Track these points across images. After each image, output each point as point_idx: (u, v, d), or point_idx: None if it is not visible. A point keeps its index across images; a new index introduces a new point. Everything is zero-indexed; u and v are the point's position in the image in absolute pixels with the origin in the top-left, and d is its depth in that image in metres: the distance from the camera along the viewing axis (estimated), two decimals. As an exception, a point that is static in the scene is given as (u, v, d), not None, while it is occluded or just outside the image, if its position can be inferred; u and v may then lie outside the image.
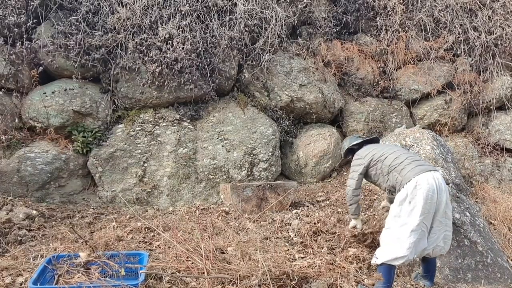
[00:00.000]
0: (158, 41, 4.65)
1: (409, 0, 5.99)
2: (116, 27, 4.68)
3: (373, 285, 3.03)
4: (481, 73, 5.96)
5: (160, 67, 4.58)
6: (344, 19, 5.86)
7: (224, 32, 4.93)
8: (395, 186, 3.11)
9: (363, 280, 3.12)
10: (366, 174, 3.33)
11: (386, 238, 3.04)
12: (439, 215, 3.02)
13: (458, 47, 5.89)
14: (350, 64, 5.71)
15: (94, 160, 4.59)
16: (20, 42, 4.50)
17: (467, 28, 5.90)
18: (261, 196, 4.25)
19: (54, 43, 4.50)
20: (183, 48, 4.61)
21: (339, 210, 4.27)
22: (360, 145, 3.56)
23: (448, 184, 4.04)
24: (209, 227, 3.80)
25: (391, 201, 3.22)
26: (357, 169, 3.33)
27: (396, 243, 2.93)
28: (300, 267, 3.07)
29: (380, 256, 2.98)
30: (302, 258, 3.30)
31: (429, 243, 3.04)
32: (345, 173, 5.31)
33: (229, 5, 5.07)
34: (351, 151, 3.63)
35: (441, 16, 5.90)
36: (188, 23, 4.75)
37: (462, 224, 3.66)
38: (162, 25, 4.73)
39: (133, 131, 4.71)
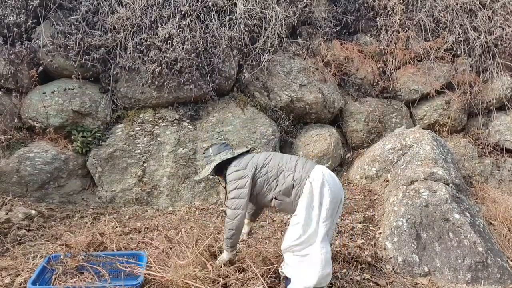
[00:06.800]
0: (158, 41, 4.64)
1: (409, 0, 5.99)
2: (116, 27, 4.67)
3: None
4: (481, 73, 5.96)
5: (160, 67, 4.58)
6: (344, 19, 5.86)
7: (224, 32, 4.93)
8: (290, 186, 2.67)
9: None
10: None
11: (295, 262, 2.60)
12: (337, 217, 2.75)
13: (458, 47, 5.89)
14: (350, 64, 5.70)
15: (94, 160, 4.58)
16: (19, 42, 4.50)
17: (467, 29, 5.89)
18: (260, 196, 4.22)
19: (53, 43, 4.50)
20: (182, 48, 4.60)
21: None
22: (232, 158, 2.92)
23: (448, 184, 4.04)
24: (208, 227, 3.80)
25: (284, 208, 2.76)
26: (242, 183, 2.70)
27: (310, 262, 2.54)
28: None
29: None
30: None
31: None
32: (345, 173, 5.30)
33: (229, 5, 5.07)
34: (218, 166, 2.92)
35: (441, 16, 5.90)
36: (188, 23, 4.75)
37: (462, 225, 3.66)
38: (162, 25, 4.73)
39: (133, 131, 4.70)
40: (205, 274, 2.77)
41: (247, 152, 3.03)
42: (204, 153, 3.08)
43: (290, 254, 2.64)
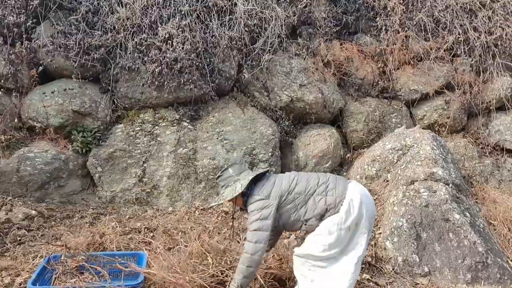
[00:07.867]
0: (158, 41, 4.64)
1: (409, 0, 5.99)
2: (116, 27, 4.67)
3: None
4: (481, 73, 5.95)
5: (160, 67, 4.58)
6: (344, 19, 5.85)
7: (224, 32, 4.93)
8: (323, 211, 2.47)
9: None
10: None
11: (304, 269, 2.51)
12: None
13: (458, 47, 5.88)
14: (349, 64, 5.70)
15: (94, 160, 4.58)
16: (19, 42, 4.49)
17: (467, 29, 5.88)
18: (260, 196, 4.21)
19: (53, 43, 4.50)
20: (183, 48, 4.60)
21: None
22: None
23: (448, 184, 4.05)
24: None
25: (312, 229, 2.55)
26: (266, 214, 2.45)
27: (328, 276, 2.43)
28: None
29: None
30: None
31: None
32: (345, 173, 5.30)
33: (229, 5, 5.06)
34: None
35: (441, 16, 5.89)
36: (188, 23, 4.75)
37: (462, 225, 3.66)
38: (162, 25, 4.73)
39: (133, 131, 4.70)
40: (204, 270, 2.77)
41: (266, 173, 2.75)
42: (221, 175, 2.71)
43: (302, 261, 2.54)
